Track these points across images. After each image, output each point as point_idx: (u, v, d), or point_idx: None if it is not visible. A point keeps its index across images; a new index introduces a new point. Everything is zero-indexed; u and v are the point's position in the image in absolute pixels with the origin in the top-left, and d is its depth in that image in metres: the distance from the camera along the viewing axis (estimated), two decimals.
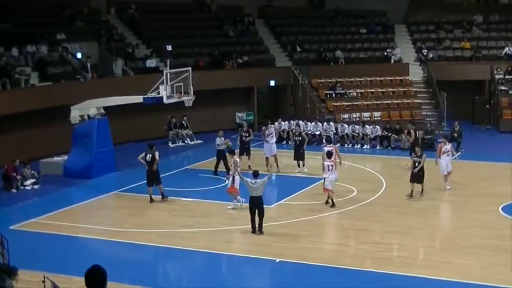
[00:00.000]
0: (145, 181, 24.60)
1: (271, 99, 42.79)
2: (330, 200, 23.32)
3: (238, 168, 23.10)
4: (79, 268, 17.82)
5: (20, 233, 21.02)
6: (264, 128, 30.00)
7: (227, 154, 26.36)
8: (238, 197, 23.08)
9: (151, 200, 24.37)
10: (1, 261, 15.38)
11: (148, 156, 24.35)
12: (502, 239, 19.73)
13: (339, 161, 24.30)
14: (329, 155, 23.33)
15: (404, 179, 26.14)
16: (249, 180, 20.42)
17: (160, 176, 24.65)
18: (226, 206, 23.25)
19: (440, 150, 25.58)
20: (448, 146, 25.92)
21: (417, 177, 24.27)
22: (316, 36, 44.27)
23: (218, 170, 27.91)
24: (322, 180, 23.75)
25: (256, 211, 20.32)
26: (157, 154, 24.54)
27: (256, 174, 20.56)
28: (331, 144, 26.51)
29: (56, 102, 30.73)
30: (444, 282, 16.91)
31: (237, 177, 22.69)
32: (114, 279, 17.04)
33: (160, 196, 24.48)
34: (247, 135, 29.26)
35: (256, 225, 20.41)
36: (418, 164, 24.18)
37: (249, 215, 20.48)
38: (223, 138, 28.04)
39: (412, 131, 29.53)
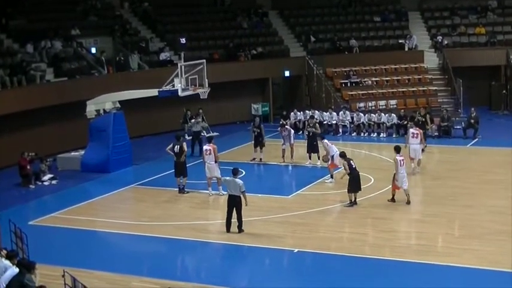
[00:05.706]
0: (163, 174, 24.60)
1: (286, 89, 42.66)
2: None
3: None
4: (98, 262, 18.15)
5: (39, 228, 21.12)
6: (280, 128, 29.50)
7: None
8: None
9: (180, 191, 24.49)
10: (20, 256, 15.46)
11: (177, 148, 24.50)
12: None
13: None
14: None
15: (422, 167, 26.15)
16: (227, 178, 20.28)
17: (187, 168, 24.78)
18: None
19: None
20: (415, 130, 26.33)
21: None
22: (330, 25, 44.02)
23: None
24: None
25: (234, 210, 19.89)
26: (185, 145, 24.80)
27: (235, 173, 20.16)
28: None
29: (72, 97, 30.86)
30: (467, 269, 16.78)
31: None
32: (133, 272, 17.21)
33: (180, 188, 24.51)
34: (258, 131, 28.90)
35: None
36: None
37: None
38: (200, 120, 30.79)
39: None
